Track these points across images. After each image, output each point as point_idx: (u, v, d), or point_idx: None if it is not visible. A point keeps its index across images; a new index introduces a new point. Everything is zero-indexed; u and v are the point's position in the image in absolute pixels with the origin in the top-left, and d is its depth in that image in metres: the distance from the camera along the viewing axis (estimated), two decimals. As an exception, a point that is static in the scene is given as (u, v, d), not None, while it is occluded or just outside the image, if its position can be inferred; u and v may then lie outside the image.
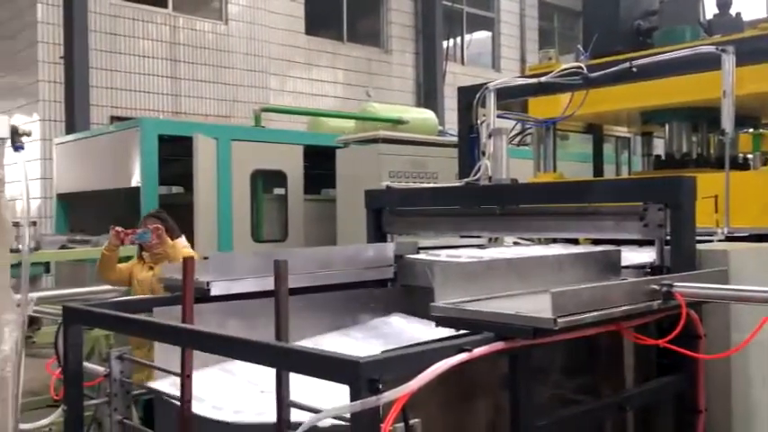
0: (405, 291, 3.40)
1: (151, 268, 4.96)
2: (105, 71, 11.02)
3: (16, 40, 11.31)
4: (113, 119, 10.82)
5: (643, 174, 5.19)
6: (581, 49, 4.85)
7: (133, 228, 4.83)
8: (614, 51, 4.43)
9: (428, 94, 14.83)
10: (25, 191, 1.58)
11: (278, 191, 7.62)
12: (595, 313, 1.92)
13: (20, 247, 1.62)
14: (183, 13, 12.25)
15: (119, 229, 4.77)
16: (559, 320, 1.79)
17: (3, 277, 1.54)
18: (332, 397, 1.75)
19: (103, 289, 4.37)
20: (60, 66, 10.29)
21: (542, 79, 4.05)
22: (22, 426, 2.37)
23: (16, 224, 1.86)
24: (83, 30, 9.75)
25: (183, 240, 5.11)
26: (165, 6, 12.07)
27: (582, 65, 3.95)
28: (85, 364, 2.74)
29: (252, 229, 7.08)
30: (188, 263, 2.56)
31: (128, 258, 5.21)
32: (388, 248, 3.52)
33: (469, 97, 4.42)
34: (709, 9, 5.06)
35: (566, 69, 3.94)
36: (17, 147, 1.57)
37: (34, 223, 6.23)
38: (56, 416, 2.66)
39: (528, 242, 4.18)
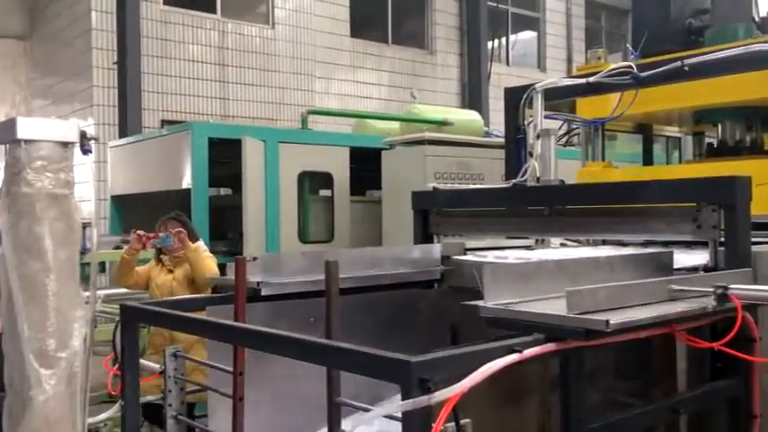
0: (451, 292, 3.40)
1: (170, 271, 5.02)
2: (156, 76, 11.28)
3: (73, 46, 11.65)
4: (164, 122, 11.06)
5: (696, 163, 5.09)
6: (630, 48, 4.79)
7: (153, 232, 4.85)
8: (665, 50, 4.36)
9: (473, 96, 14.77)
10: (93, 192, 1.64)
11: (323, 192, 7.70)
12: (650, 315, 1.90)
13: (87, 246, 1.69)
14: (231, 18, 12.45)
15: (140, 233, 4.80)
16: (611, 322, 1.78)
17: (73, 275, 1.60)
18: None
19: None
20: (113, 71, 10.57)
21: (591, 79, 3.99)
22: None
23: (85, 225, 1.93)
24: (135, 36, 10.00)
25: (201, 243, 5.15)
26: (214, 12, 12.29)
27: (632, 64, 3.89)
28: (141, 361, 2.83)
29: (299, 230, 7.17)
30: (239, 264, 2.62)
31: (143, 261, 5.26)
32: (435, 249, 3.53)
33: (516, 98, 4.38)
34: (763, 6, 4.94)
35: (615, 69, 3.88)
36: (85, 150, 1.64)
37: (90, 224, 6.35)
38: (113, 411, 2.74)
39: (575, 244, 4.14)
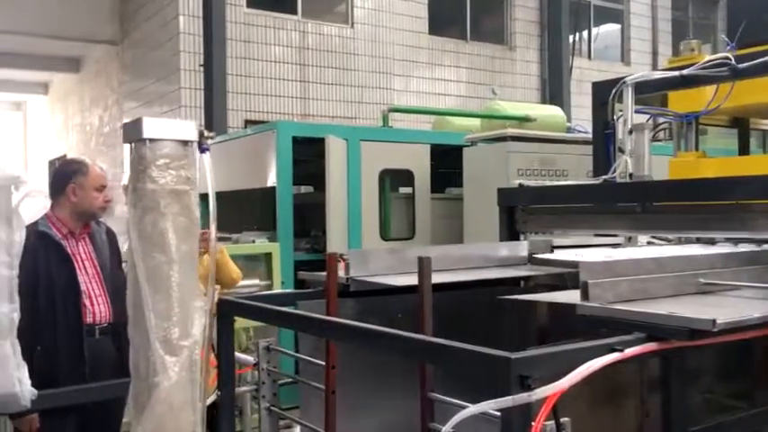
0: (539, 290, 3.35)
1: None
2: (240, 77, 11.58)
3: (161, 50, 12.10)
4: (247, 122, 11.35)
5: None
6: (725, 39, 4.60)
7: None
8: (763, 41, 4.17)
9: (554, 91, 14.50)
10: (211, 189, 1.71)
11: (404, 190, 7.73)
12: (758, 315, 1.83)
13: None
14: (311, 18, 12.65)
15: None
16: (719, 322, 1.72)
17: (192, 268, 1.68)
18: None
19: (249, 284, 4.59)
20: (200, 73, 10.91)
21: (685, 72, 3.86)
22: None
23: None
24: (221, 39, 10.29)
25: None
26: (295, 13, 12.51)
27: (729, 55, 3.74)
28: (236, 354, 2.92)
29: (380, 228, 7.22)
30: (331, 260, 2.67)
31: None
32: (522, 247, 3.49)
33: (604, 92, 4.28)
34: None
35: (711, 60, 3.75)
36: (203, 149, 1.71)
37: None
38: (210, 400, 2.84)
39: (662, 242, 4.02)
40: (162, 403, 1.51)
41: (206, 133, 1.69)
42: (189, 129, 1.65)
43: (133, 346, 1.63)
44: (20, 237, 2.15)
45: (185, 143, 1.65)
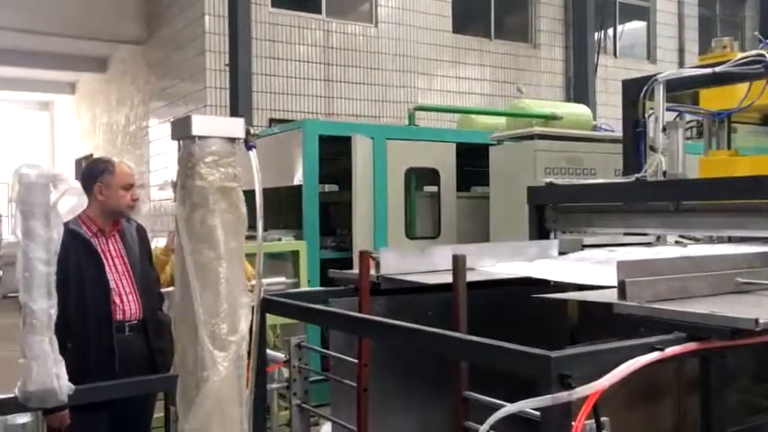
0: (569, 289, 3.33)
1: None
2: (265, 76, 11.63)
3: (187, 49, 12.19)
4: (272, 121, 11.40)
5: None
6: (758, 35, 4.54)
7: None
8: (798, 37, 4.11)
9: (579, 89, 14.38)
10: (258, 186, 1.71)
11: (428, 188, 7.72)
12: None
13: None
14: (335, 17, 12.67)
15: None
16: (761, 321, 1.69)
17: (240, 264, 1.69)
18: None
19: (276, 281, 4.61)
20: (225, 73, 10.98)
21: (718, 69, 3.81)
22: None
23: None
24: (246, 38, 10.34)
25: None
26: (319, 12, 12.55)
27: (764, 52, 3.69)
28: (267, 351, 2.93)
29: (405, 226, 7.22)
30: (364, 258, 2.67)
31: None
32: (553, 245, 3.47)
33: (634, 90, 4.25)
34: None
35: (745, 57, 3.70)
36: (250, 146, 1.72)
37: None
38: (242, 397, 2.85)
39: (690, 241, 3.97)
40: (211, 398, 1.52)
41: (252, 131, 1.69)
42: (236, 126, 1.66)
43: (180, 341, 1.64)
44: (57, 234, 2.18)
45: (233, 140, 1.66)
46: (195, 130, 1.63)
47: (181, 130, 1.66)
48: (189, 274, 1.55)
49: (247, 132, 1.68)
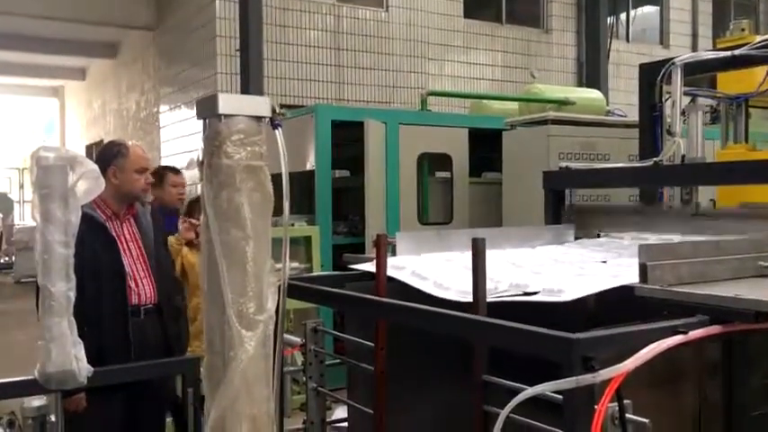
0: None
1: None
2: (276, 62, 11.60)
3: (197, 35, 12.17)
4: (282, 107, 11.35)
5: None
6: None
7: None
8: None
9: (591, 74, 14.28)
10: (284, 166, 1.70)
11: (440, 174, 7.69)
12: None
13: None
14: (345, 2, 12.60)
15: (194, 221, 4.55)
16: (787, 304, 1.68)
17: (267, 244, 1.68)
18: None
19: (294, 266, 4.59)
20: (236, 58, 10.94)
21: (737, 52, 3.76)
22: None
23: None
24: (257, 23, 10.30)
25: None
26: (330, -4, 12.51)
27: (785, 34, 3.64)
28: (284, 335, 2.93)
29: (418, 212, 7.21)
30: (381, 241, 2.66)
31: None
32: (569, 230, 3.45)
33: (651, 74, 4.19)
34: None
35: (765, 40, 3.64)
36: (276, 124, 1.71)
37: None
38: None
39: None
40: (239, 376, 1.52)
41: (278, 109, 1.68)
42: (263, 104, 1.65)
43: (207, 320, 1.64)
44: (75, 217, 2.18)
45: (259, 119, 1.65)
46: (222, 109, 1.62)
47: (207, 108, 1.64)
48: (216, 254, 1.55)
49: (273, 111, 1.66)
